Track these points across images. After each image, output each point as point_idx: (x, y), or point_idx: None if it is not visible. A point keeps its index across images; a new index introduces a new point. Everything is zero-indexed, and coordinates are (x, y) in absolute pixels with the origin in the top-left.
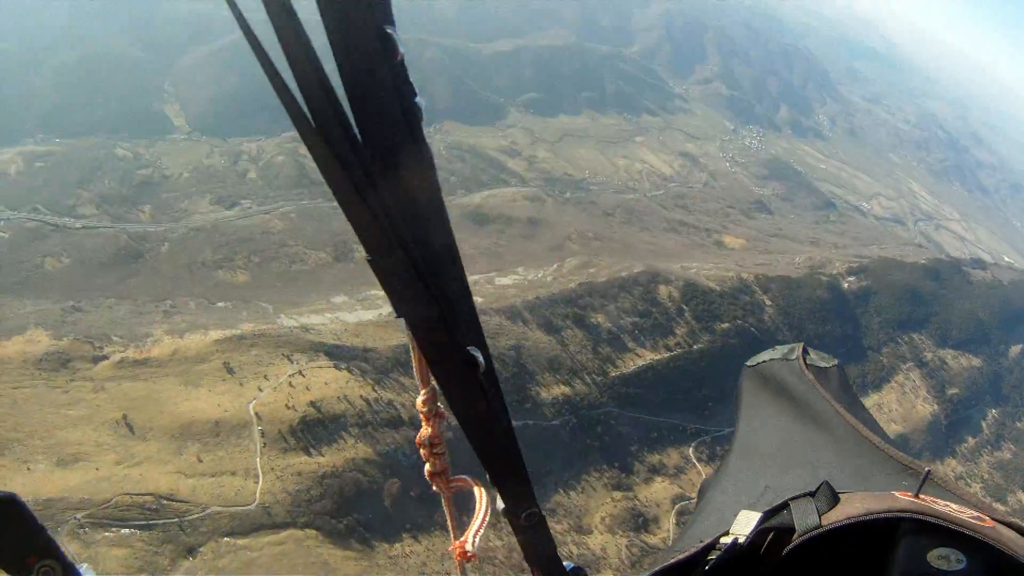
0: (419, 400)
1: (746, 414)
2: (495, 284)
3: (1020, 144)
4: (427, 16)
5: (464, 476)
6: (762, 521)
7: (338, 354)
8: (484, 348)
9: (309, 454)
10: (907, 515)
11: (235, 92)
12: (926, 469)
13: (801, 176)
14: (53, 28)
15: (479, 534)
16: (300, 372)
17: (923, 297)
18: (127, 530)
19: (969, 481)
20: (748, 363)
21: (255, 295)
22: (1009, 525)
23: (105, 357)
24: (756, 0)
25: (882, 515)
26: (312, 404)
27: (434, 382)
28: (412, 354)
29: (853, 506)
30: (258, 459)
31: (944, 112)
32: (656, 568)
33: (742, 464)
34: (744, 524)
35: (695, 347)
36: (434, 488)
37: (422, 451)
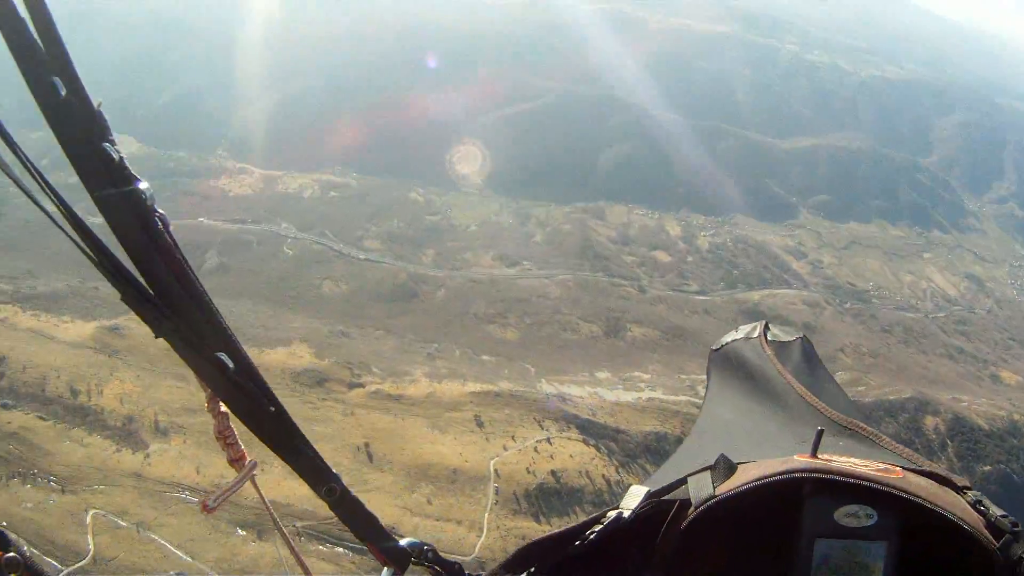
0: (206, 404)
1: (709, 395)
2: None
3: None
4: (726, 105)
5: (254, 460)
6: (648, 496)
7: (589, 429)
8: (234, 350)
9: (538, 521)
10: (799, 475)
11: (530, 157)
12: (818, 429)
13: None
14: (359, 71)
15: (224, 495)
16: (548, 440)
17: None
18: (341, 549)
19: None
20: (713, 347)
21: (520, 355)
22: (921, 473)
23: (361, 385)
24: None
25: (772, 478)
26: (553, 473)
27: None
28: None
29: (748, 474)
30: (486, 514)
31: None
32: (536, 538)
33: (694, 442)
34: (632, 498)
35: None
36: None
37: (219, 444)
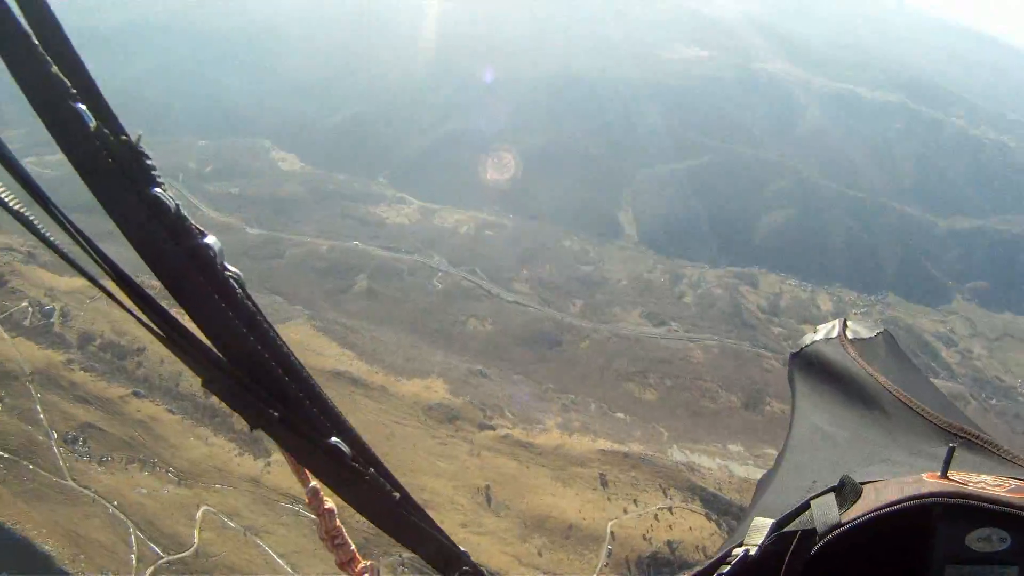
0: (306, 499)
1: (798, 404)
2: None
3: None
4: (887, 177)
5: (371, 561)
6: (775, 528)
7: (713, 504)
8: (348, 434)
9: None
10: (931, 500)
11: (688, 216)
12: (950, 446)
13: None
14: (526, 115)
15: None
16: (670, 509)
17: None
18: None
19: None
20: (792, 351)
21: (655, 417)
22: None
23: (491, 427)
24: None
25: (903, 505)
26: (669, 544)
27: (314, 481)
28: (287, 461)
29: (876, 498)
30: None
31: None
32: None
33: (793, 459)
34: (757, 532)
35: None
36: None
37: (325, 545)
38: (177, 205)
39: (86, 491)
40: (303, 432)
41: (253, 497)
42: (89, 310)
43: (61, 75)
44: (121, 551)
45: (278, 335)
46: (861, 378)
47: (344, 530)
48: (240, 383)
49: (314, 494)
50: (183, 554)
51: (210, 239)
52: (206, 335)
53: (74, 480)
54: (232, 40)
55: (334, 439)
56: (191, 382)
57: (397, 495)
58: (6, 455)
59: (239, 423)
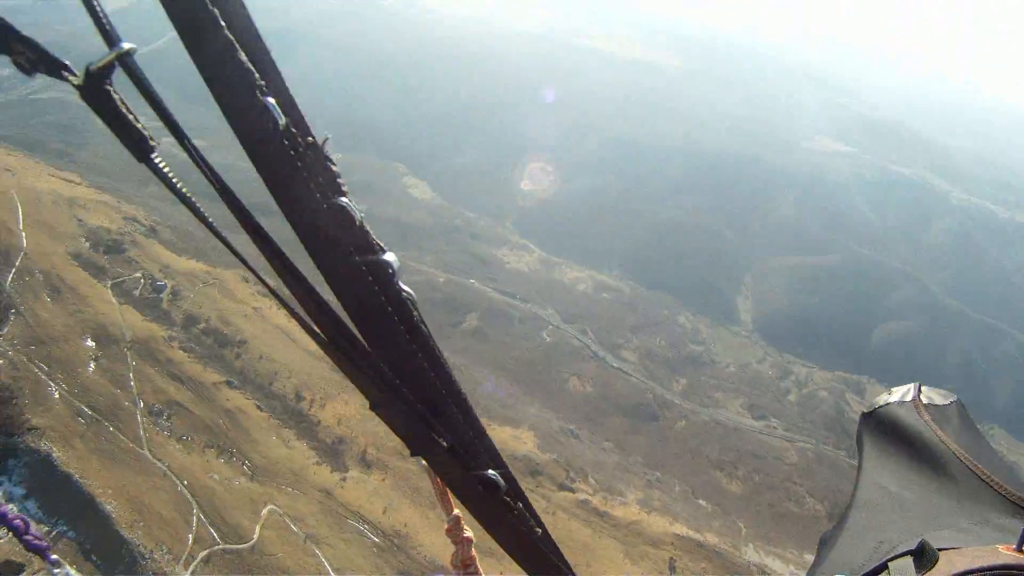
0: (446, 527)
1: (866, 464)
2: None
3: None
4: (1012, 303)
5: None
6: None
7: None
8: (503, 468)
9: None
10: (1007, 573)
11: (806, 312)
12: None
13: None
14: (659, 182)
15: None
16: None
17: None
18: None
19: None
20: (865, 410)
21: (736, 510)
22: None
23: (571, 490)
24: None
25: (979, 574)
26: None
27: (457, 510)
28: (433, 488)
29: (952, 565)
30: None
31: None
32: None
33: (859, 517)
34: None
35: None
36: None
37: (457, 572)
38: (362, 218)
39: (159, 464)
40: (465, 463)
41: (322, 507)
42: (199, 293)
43: (252, 66)
44: (180, 528)
45: (447, 362)
46: (933, 443)
47: (477, 559)
48: (412, 408)
49: (456, 523)
50: (240, 546)
51: (389, 256)
52: (379, 354)
53: (150, 451)
54: (380, 61)
55: (491, 472)
56: (284, 383)
57: (539, 531)
58: (91, 412)
59: (323, 433)
